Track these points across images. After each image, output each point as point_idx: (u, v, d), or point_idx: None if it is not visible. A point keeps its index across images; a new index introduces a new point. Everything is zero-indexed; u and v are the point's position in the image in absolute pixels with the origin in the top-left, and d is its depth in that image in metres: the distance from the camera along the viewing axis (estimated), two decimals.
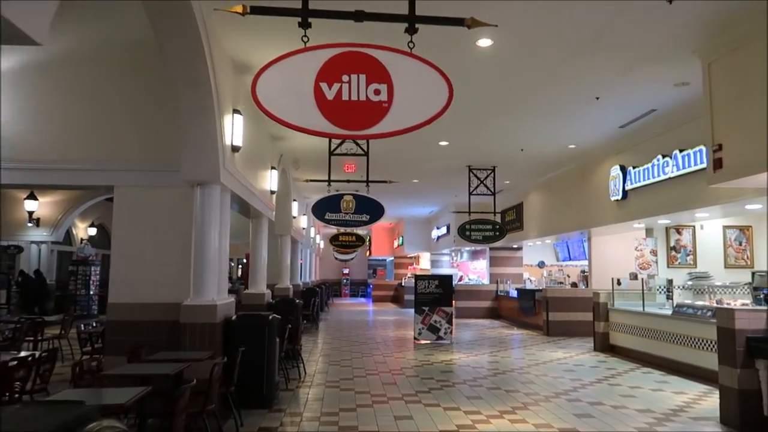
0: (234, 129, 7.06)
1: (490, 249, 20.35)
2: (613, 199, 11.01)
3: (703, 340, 8.44)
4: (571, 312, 14.49)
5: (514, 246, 19.91)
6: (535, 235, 15.85)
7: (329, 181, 9.05)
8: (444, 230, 22.22)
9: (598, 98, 8.27)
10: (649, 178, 9.75)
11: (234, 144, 7.05)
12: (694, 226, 11.80)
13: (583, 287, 19.22)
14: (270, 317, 6.90)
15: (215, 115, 6.22)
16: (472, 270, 24.70)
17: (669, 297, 10.02)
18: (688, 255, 11.80)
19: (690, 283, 11.41)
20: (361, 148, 9.05)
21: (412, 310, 24.59)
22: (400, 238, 27.48)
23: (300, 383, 8.27)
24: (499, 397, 7.33)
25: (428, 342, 12.88)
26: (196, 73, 5.84)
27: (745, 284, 10.13)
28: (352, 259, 31.76)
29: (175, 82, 5.97)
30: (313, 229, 24.40)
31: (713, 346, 8.19)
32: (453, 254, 24.17)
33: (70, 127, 6.89)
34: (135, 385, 4.25)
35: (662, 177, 9.29)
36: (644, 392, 7.69)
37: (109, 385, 4.42)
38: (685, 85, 7.68)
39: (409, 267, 30.79)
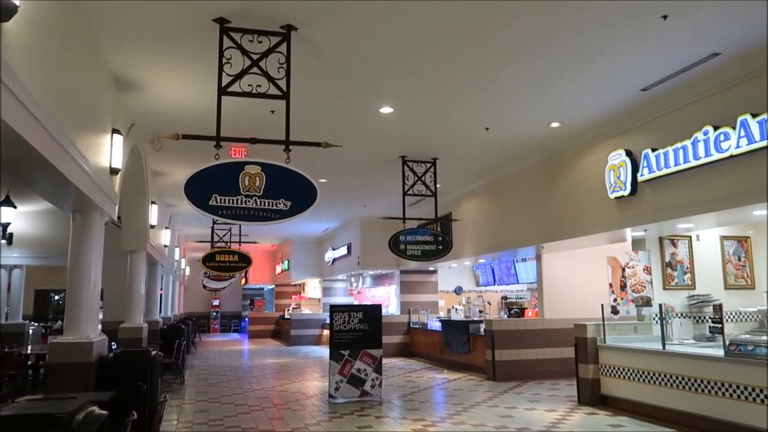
0: None
1: (401, 273, 17.00)
2: (613, 196, 8.09)
3: None
4: (522, 349, 11.44)
5: (430, 268, 16.73)
6: (471, 252, 12.72)
7: (218, 139, 5.07)
8: (344, 250, 18.53)
9: (665, 17, 5.22)
10: (683, 162, 6.89)
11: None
12: (690, 237, 9.29)
13: (504, 316, 16.53)
14: (83, 417, 2.81)
15: None
16: (370, 298, 21.17)
17: (717, 330, 7.16)
18: (685, 273, 9.23)
19: (690, 309, 8.84)
20: (277, 86, 5.21)
21: (302, 348, 20.73)
22: (286, 262, 23.31)
23: None
24: None
25: (349, 400, 9.07)
26: None
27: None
28: (224, 288, 26.84)
29: None
30: (177, 251, 19.56)
31: None
32: (353, 279, 20.50)
33: None
34: None
35: (716, 156, 6.44)
36: None
37: None
38: None
39: (294, 296, 26.58)
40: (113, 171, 6.43)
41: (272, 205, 5.03)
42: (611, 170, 8.09)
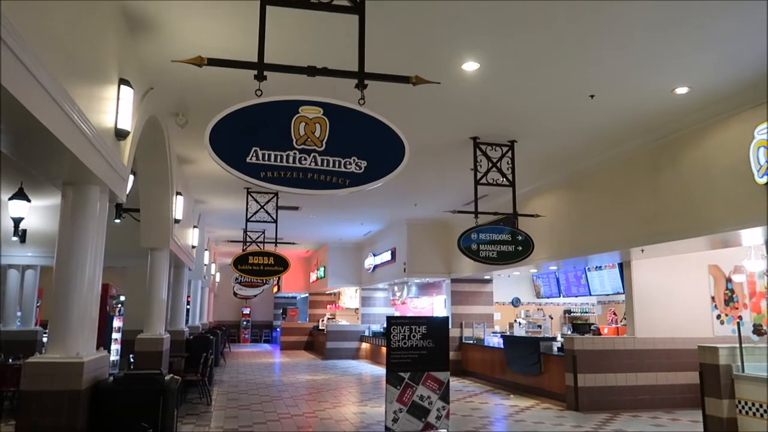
0: None
1: (452, 281, 15.20)
2: (762, 181, 6.21)
3: None
4: (609, 374, 9.55)
5: (486, 277, 14.89)
6: (543, 258, 10.83)
7: (260, 67, 3.43)
8: (387, 256, 16.83)
9: None
10: None
11: None
12: None
13: (569, 332, 14.61)
14: None
15: None
16: (413, 310, 19.40)
17: None
18: None
19: None
20: None
21: (339, 363, 18.96)
22: (322, 269, 21.72)
23: None
24: None
25: None
26: None
27: None
28: (256, 296, 25.37)
29: None
30: (207, 254, 18.13)
31: None
32: (396, 288, 18.76)
33: None
34: None
35: None
36: None
37: None
38: None
39: (329, 306, 24.96)
40: (120, 134, 4.88)
41: (339, 166, 3.36)
42: (760, 147, 6.22)
